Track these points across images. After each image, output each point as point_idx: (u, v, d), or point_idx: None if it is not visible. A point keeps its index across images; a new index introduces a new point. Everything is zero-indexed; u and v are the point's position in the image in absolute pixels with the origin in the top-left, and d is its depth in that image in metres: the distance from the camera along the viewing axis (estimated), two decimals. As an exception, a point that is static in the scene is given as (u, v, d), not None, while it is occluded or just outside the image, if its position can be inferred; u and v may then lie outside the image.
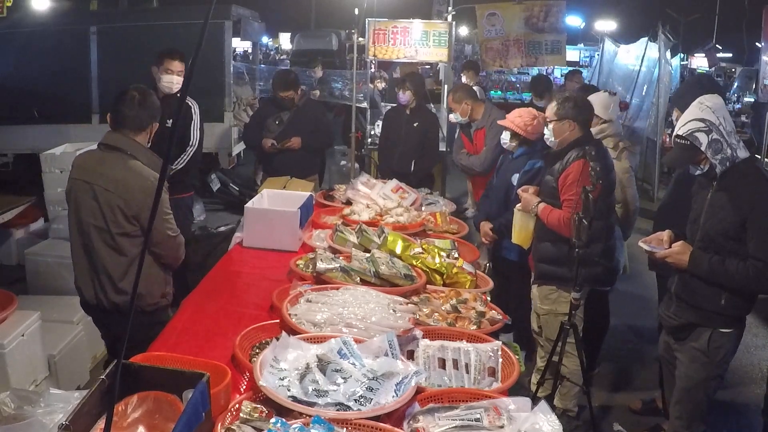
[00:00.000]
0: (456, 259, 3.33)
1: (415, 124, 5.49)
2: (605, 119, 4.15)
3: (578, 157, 3.30)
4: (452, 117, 5.19)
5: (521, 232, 3.66)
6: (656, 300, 4.74)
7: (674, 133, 2.76)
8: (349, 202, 4.43)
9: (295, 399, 1.92)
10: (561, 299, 3.48)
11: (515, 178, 3.97)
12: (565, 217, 3.31)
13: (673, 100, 3.84)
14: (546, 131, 3.51)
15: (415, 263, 3.17)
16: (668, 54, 9.49)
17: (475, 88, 6.38)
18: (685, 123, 2.71)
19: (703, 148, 2.67)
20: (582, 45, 20.12)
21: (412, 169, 5.44)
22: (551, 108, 3.48)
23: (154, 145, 3.78)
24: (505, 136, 4.06)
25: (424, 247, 3.35)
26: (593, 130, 4.07)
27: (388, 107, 6.91)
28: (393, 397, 1.99)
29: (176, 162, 4.41)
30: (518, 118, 4.00)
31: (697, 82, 4.58)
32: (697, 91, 2.99)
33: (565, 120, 3.40)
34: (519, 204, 3.64)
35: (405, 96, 5.47)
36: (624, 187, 4.02)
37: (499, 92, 15.69)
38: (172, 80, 4.27)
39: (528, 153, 3.98)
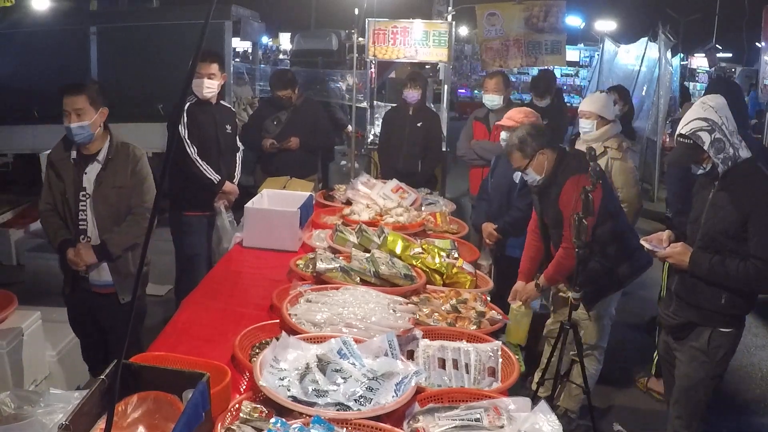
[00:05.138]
0: (456, 259, 3.33)
1: (418, 124, 5.49)
2: (610, 119, 4.15)
3: (574, 173, 3.25)
4: (489, 100, 5.14)
5: (518, 331, 3.43)
6: (656, 299, 4.75)
7: (677, 132, 2.76)
8: (349, 202, 4.43)
9: (295, 399, 1.92)
10: (602, 305, 3.52)
11: (518, 176, 3.97)
12: (561, 255, 3.30)
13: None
14: (528, 177, 3.37)
15: (415, 263, 3.17)
16: (668, 54, 9.48)
17: None
18: (688, 122, 2.71)
19: (705, 147, 2.67)
20: (582, 45, 20.14)
21: (419, 168, 5.44)
22: (517, 159, 3.34)
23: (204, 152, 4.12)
24: (504, 136, 4.06)
25: (424, 247, 3.35)
26: (598, 132, 4.07)
27: (388, 107, 6.91)
28: (393, 397, 1.99)
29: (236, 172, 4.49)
30: (518, 115, 4.01)
31: (717, 83, 4.60)
32: (719, 92, 2.96)
33: (537, 154, 3.30)
34: (515, 304, 3.43)
35: (416, 94, 5.46)
36: (628, 186, 4.03)
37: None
38: (202, 83, 4.11)
39: None
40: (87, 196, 3.24)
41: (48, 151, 3.39)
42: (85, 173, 3.24)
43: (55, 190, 3.27)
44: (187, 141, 4.12)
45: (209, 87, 4.17)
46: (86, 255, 3.24)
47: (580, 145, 4.18)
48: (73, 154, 3.26)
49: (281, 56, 25.03)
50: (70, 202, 3.24)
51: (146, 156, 3.44)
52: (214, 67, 4.15)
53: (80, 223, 3.25)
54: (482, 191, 4.44)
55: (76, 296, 3.42)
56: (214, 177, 4.23)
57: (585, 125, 4.09)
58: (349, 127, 7.27)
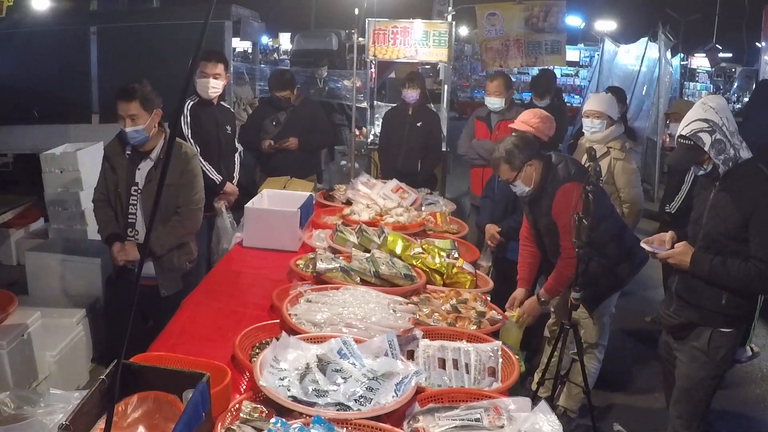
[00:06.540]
0: (456, 259, 3.33)
1: (418, 124, 5.49)
2: (615, 120, 4.15)
3: (562, 183, 3.24)
4: (490, 103, 5.02)
5: (508, 339, 3.30)
6: (656, 299, 4.75)
7: (677, 133, 2.76)
8: (349, 202, 4.43)
9: (295, 399, 1.92)
10: (603, 303, 3.52)
11: None
12: (561, 266, 3.29)
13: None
14: (516, 188, 3.36)
15: (415, 263, 3.16)
16: (668, 54, 9.48)
17: None
18: (688, 123, 2.71)
19: (706, 149, 2.67)
20: (582, 45, 20.15)
21: (419, 168, 5.44)
22: (505, 171, 3.31)
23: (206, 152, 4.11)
24: None
25: (424, 247, 3.35)
26: (601, 134, 4.06)
27: (389, 107, 6.91)
28: (393, 397, 1.99)
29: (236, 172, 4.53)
30: (533, 119, 3.98)
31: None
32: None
33: (525, 166, 3.28)
34: (511, 312, 3.35)
35: (414, 94, 5.46)
36: (630, 187, 4.02)
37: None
38: (207, 83, 4.16)
39: None
40: (138, 191, 3.34)
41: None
42: (138, 169, 3.33)
43: (109, 182, 3.38)
44: (191, 140, 4.13)
45: (215, 87, 4.20)
46: (131, 252, 3.35)
47: (584, 145, 4.18)
48: (128, 149, 3.33)
49: (276, 56, 25.07)
50: (122, 196, 3.34)
51: (198, 156, 3.51)
52: (220, 68, 4.19)
53: (130, 216, 3.36)
54: (486, 190, 4.41)
55: (120, 284, 3.52)
56: (217, 177, 4.24)
57: (594, 125, 4.08)
58: (364, 129, 7.29)
